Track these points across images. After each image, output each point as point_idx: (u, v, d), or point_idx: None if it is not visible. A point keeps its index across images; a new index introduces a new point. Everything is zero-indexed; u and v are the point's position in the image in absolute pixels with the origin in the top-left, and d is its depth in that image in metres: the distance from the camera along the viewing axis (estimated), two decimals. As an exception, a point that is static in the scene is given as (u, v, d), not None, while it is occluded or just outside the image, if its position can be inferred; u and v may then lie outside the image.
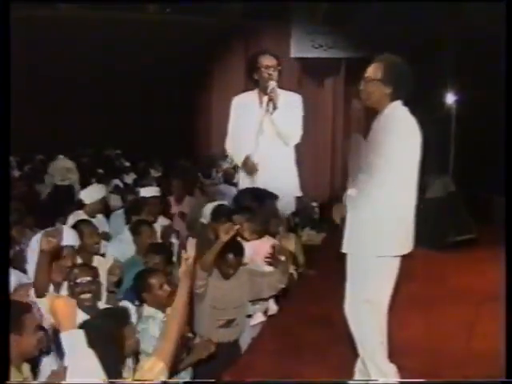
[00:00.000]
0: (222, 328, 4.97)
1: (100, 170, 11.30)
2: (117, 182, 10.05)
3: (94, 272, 4.53)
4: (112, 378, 2.99)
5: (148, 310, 4.48)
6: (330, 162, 12.49)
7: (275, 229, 5.97)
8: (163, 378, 3.12)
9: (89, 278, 4.37)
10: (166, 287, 4.50)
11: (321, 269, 6.53)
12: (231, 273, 5.00)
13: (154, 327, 4.34)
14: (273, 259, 5.28)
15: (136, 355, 3.97)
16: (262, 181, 6.13)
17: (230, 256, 4.95)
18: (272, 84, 6.00)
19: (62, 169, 11.06)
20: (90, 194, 6.74)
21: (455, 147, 10.57)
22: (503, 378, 3.59)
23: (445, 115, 10.53)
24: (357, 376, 4.13)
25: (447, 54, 10.51)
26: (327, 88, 12.42)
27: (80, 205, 6.71)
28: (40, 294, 4.27)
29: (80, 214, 6.43)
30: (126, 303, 4.67)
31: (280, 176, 6.14)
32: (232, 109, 6.38)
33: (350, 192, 4.03)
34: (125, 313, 3.88)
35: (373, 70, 4.02)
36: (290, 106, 6.13)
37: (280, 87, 6.12)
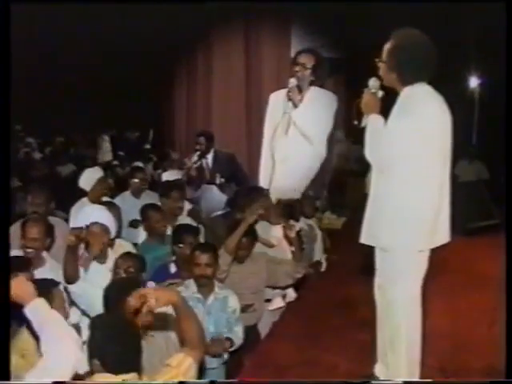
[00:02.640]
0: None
1: (121, 153, 11.34)
2: (138, 164, 10.04)
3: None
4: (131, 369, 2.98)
5: (190, 281, 4.66)
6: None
7: (305, 212, 6.02)
8: (193, 373, 3.11)
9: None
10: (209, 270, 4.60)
11: (341, 253, 6.50)
12: (245, 255, 5.06)
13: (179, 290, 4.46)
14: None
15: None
16: (281, 179, 6.14)
17: (243, 239, 5.00)
18: (292, 81, 5.97)
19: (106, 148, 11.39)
20: (86, 179, 6.52)
21: (478, 132, 10.52)
22: (503, 378, 3.56)
23: (468, 99, 10.47)
24: (379, 365, 4.10)
25: (470, 36, 10.43)
26: (327, 88, 12.27)
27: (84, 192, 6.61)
28: (71, 281, 4.38)
29: (84, 202, 6.30)
30: (151, 284, 4.70)
31: (298, 175, 6.14)
32: (268, 105, 6.39)
33: (372, 180, 3.87)
34: (135, 281, 3.97)
35: (384, 50, 3.79)
36: (317, 104, 6.10)
37: (318, 85, 6.10)
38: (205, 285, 4.60)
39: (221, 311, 4.65)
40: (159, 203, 6.19)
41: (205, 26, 11.73)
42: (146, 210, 5.88)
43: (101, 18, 11.33)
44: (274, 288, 5.40)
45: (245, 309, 5.00)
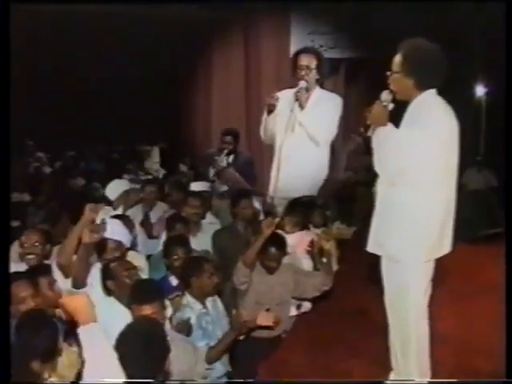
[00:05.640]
0: None
1: (129, 166, 11.38)
2: (148, 177, 10.12)
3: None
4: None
5: (188, 298, 4.59)
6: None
7: (316, 221, 6.04)
8: None
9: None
10: (215, 279, 4.60)
11: (352, 263, 6.52)
12: (274, 266, 5.04)
13: (191, 315, 4.48)
14: (312, 253, 5.32)
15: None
16: (286, 178, 6.17)
17: (272, 249, 4.98)
18: (301, 84, 6.01)
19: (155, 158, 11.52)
20: (113, 190, 6.73)
21: (485, 139, 10.53)
22: (503, 378, 3.58)
23: (475, 107, 10.49)
24: (394, 373, 4.14)
25: (477, 45, 10.45)
26: (327, 88, 12.25)
27: (108, 201, 6.74)
28: (78, 286, 4.26)
29: (108, 210, 6.43)
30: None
31: (304, 175, 6.16)
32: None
33: (379, 190, 3.94)
34: None
35: (395, 62, 3.84)
36: (323, 106, 6.13)
37: (322, 86, 6.14)
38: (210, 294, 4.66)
39: (217, 315, 4.70)
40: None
41: (205, 27, 11.75)
42: (171, 220, 5.90)
43: (101, 23, 11.36)
44: (298, 299, 5.39)
45: None
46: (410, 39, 3.88)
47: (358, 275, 6.02)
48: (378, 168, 3.86)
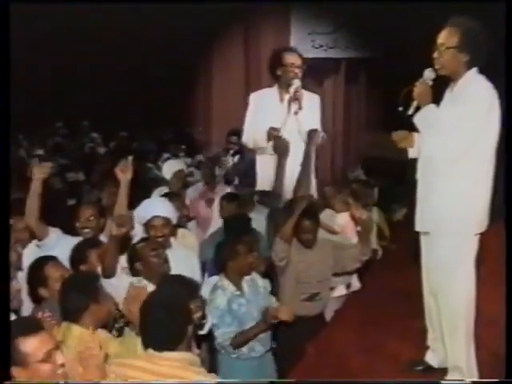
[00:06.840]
0: (306, 302, 5.04)
1: (183, 146, 11.47)
2: (200, 157, 10.21)
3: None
4: (171, 346, 3.09)
5: (222, 280, 4.58)
6: (330, 161, 12.20)
7: (366, 202, 6.04)
8: None
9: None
10: (250, 257, 4.58)
11: (403, 243, 6.50)
12: (310, 239, 5.05)
13: (221, 298, 4.46)
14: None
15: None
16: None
17: (305, 221, 5.00)
18: (297, 83, 5.89)
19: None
20: (169, 168, 6.83)
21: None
22: (503, 378, 3.54)
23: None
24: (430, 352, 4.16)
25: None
26: (327, 88, 12.16)
27: (163, 182, 6.87)
28: (108, 275, 4.28)
29: (163, 190, 6.57)
30: (213, 279, 4.77)
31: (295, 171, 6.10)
32: (250, 104, 6.27)
33: (421, 167, 3.93)
34: (195, 285, 3.98)
35: (447, 37, 3.76)
36: (311, 106, 6.03)
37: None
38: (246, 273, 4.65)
39: (255, 295, 4.63)
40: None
41: (205, 27, 11.75)
42: (222, 200, 5.95)
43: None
44: (342, 274, 5.39)
45: (311, 297, 5.05)
46: (461, 18, 3.81)
47: (408, 256, 6.01)
48: (428, 148, 3.85)
